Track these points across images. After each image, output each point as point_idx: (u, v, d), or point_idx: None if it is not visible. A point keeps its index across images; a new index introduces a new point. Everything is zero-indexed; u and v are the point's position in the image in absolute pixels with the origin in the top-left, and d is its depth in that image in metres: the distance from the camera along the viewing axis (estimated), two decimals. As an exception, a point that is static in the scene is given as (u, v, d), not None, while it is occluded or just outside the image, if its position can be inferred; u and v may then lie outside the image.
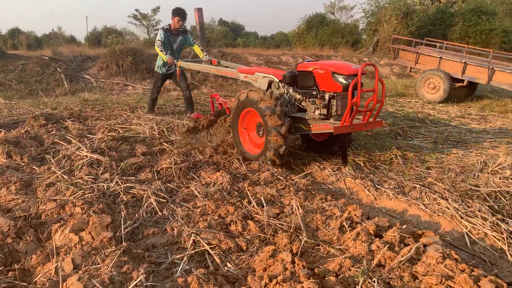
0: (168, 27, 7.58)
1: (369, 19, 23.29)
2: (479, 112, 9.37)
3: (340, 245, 3.10)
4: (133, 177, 4.61)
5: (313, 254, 3.02)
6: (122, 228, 3.24)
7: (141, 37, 27.31)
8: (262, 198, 3.87)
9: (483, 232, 3.39)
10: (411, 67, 12.08)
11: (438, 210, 3.80)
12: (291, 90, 5.14)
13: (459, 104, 10.45)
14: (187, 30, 7.82)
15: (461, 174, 4.68)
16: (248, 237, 3.22)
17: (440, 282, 2.42)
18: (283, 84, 5.18)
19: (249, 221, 3.43)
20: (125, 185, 4.27)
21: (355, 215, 3.47)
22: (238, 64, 6.67)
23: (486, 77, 10.34)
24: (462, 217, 3.60)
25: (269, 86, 5.35)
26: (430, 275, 2.53)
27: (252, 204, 3.76)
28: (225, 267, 2.80)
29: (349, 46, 21.53)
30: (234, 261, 2.90)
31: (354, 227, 3.27)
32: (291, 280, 2.47)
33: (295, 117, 4.95)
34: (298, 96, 5.07)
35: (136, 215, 3.66)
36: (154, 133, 6.58)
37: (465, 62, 10.70)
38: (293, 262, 2.68)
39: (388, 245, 2.93)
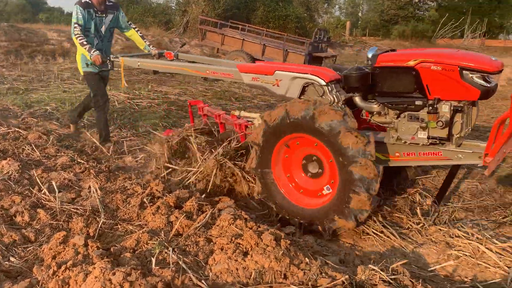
0: (88, 0, 4.76)
1: (178, -1, 23.36)
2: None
3: (140, 221, 3.08)
4: None
5: (111, 234, 2.92)
6: None
7: None
8: (54, 183, 3.55)
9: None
10: (218, 48, 12.61)
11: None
12: (357, 99, 3.30)
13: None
14: (119, 5, 5.21)
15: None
16: (37, 227, 2.94)
17: (230, 241, 2.60)
18: (330, 88, 3.28)
19: (39, 210, 3.12)
20: None
21: (157, 190, 3.48)
22: (220, 59, 4.66)
23: (282, 58, 11.49)
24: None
25: (302, 92, 3.42)
26: (223, 236, 2.70)
27: (43, 191, 3.43)
28: (7, 262, 2.50)
29: (162, 26, 21.29)
30: (20, 254, 2.62)
31: (155, 202, 3.27)
32: (83, 263, 2.35)
33: None
34: (376, 108, 3.24)
35: None
36: None
37: (264, 44, 11.68)
38: (86, 245, 2.55)
39: (186, 215, 3.03)
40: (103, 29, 4.94)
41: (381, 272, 2.30)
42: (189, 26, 20.06)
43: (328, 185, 3.14)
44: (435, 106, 2.96)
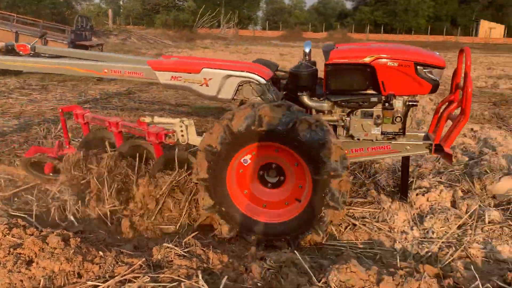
0: None
1: None
2: (39, 82, 9.39)
3: None
4: None
5: None
6: None
7: None
8: None
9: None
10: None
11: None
12: (305, 98, 3.09)
13: (18, 76, 10.07)
14: None
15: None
16: None
17: (9, 253, 2.32)
18: (268, 86, 3.08)
19: None
20: None
21: None
22: (107, 53, 3.74)
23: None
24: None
25: (236, 92, 3.12)
26: (-2, 250, 2.38)
27: None
28: None
29: None
30: None
31: None
32: None
33: None
34: (327, 107, 3.08)
35: None
36: None
37: (16, 32, 10.37)
38: None
39: None
40: None
41: (175, 247, 2.44)
42: None
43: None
44: (390, 102, 2.96)
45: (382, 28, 45.90)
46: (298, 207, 2.83)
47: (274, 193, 2.94)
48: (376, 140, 3.06)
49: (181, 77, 3.16)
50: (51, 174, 3.71)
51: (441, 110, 3.13)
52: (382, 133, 3.06)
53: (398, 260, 2.48)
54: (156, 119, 3.41)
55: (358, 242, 2.99)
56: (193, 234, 2.64)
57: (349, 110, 3.06)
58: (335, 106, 3.09)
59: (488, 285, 2.21)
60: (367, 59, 2.90)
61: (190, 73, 3.13)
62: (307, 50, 3.18)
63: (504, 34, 45.39)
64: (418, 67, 2.87)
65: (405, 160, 3.38)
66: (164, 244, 2.46)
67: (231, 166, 2.82)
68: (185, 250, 2.46)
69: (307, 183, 2.76)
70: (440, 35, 42.67)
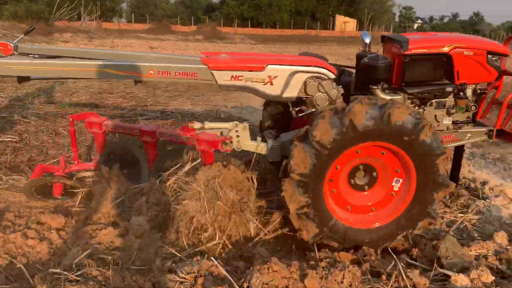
0: None
1: None
2: None
3: None
4: None
5: None
6: None
7: None
8: None
9: None
10: None
11: None
12: (379, 91, 2.95)
13: None
14: None
15: None
16: None
17: None
18: (332, 81, 2.88)
19: None
20: None
21: None
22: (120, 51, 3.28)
23: None
24: None
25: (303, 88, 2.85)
26: None
27: None
28: None
29: None
30: None
31: None
32: None
33: None
34: (401, 100, 2.95)
35: None
36: None
37: None
38: None
39: None
40: None
41: (64, 272, 2.03)
42: None
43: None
44: (464, 91, 2.96)
45: (249, 22, 47.22)
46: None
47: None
48: (448, 129, 3.08)
49: (242, 76, 2.80)
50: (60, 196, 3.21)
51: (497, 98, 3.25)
52: (454, 122, 3.08)
53: (316, 251, 2.41)
54: (207, 124, 3.08)
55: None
56: (86, 252, 2.23)
57: (419, 101, 3.01)
58: (405, 98, 3.02)
59: (402, 264, 2.26)
60: (445, 49, 2.93)
61: (253, 71, 2.80)
62: (367, 41, 3.16)
63: (356, 28, 50.17)
64: (488, 55, 2.97)
65: (461, 147, 3.37)
66: (50, 270, 2.03)
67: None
68: (78, 273, 2.06)
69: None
70: (302, 29, 45.38)
